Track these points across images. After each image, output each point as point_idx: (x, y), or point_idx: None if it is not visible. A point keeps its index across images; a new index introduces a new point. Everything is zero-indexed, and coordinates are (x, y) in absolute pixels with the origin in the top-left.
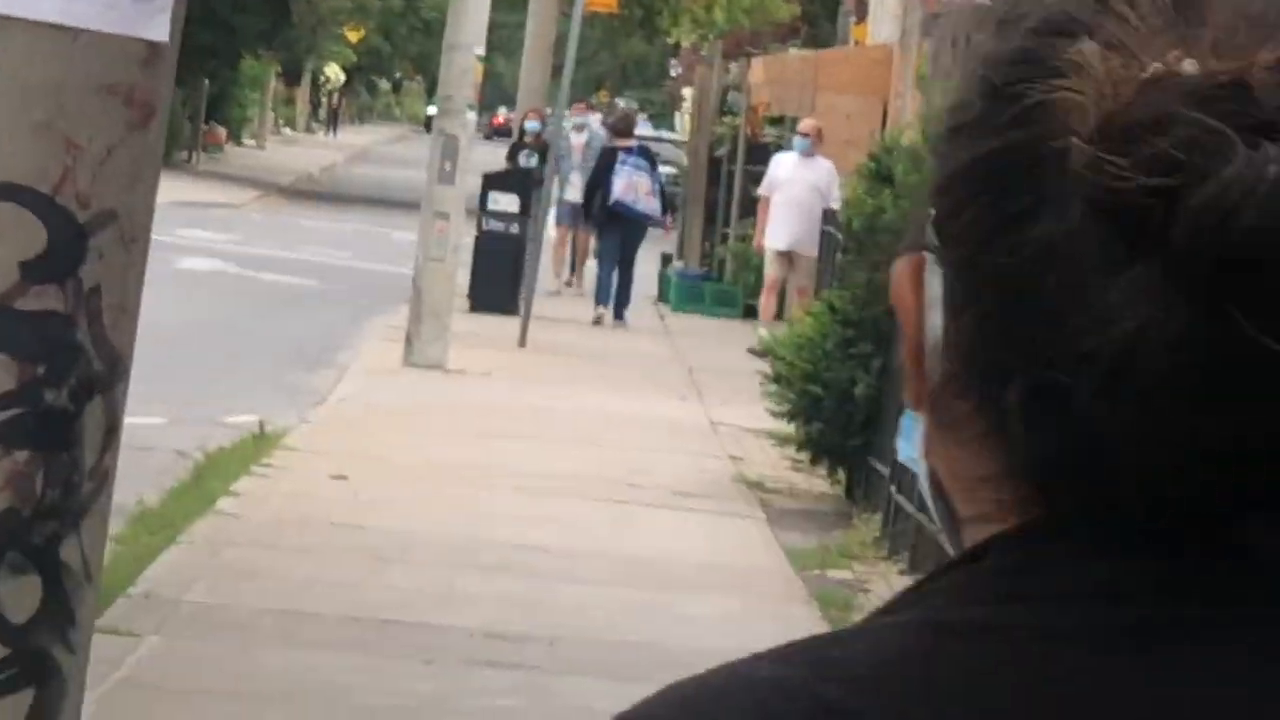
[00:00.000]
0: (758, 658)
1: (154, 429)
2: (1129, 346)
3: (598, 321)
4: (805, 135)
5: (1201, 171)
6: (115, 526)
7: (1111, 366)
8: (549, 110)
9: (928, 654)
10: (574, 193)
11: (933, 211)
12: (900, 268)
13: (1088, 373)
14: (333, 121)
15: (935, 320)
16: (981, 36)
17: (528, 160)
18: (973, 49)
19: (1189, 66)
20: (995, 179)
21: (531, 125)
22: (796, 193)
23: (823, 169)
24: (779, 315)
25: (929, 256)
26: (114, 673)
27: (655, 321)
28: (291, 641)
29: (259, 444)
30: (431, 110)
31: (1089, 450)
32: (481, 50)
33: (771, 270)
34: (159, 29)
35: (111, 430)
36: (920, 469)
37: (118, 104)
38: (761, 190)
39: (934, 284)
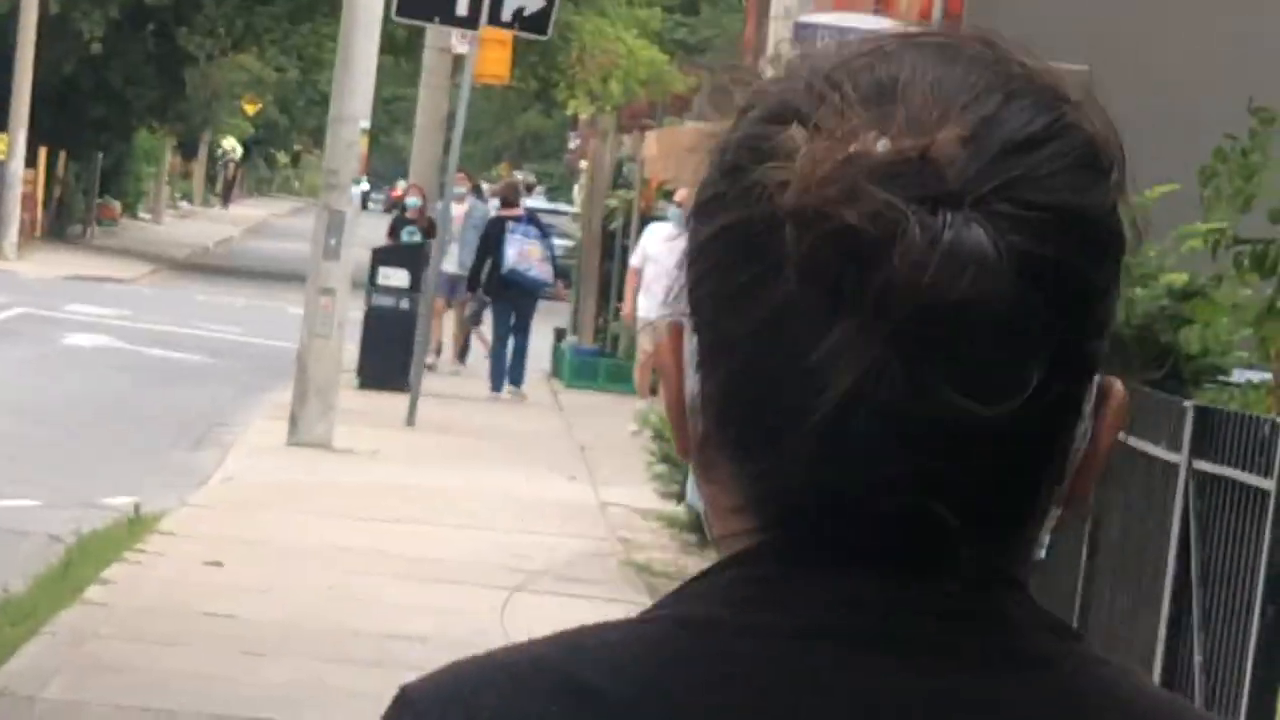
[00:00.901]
0: (529, 642)
1: (28, 512)
2: (839, 400)
3: (499, 391)
4: (681, 206)
5: (882, 242)
6: None
7: (823, 418)
8: (442, 183)
9: (670, 644)
10: (450, 264)
11: (683, 282)
12: (662, 333)
13: (805, 424)
14: (226, 194)
15: (693, 381)
16: (726, 126)
17: (410, 236)
18: (719, 136)
19: (881, 146)
20: (727, 251)
21: (412, 201)
22: (671, 265)
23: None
24: (654, 390)
25: (685, 323)
26: None
27: (548, 397)
28: None
29: (134, 528)
30: None
31: (807, 487)
32: (366, 124)
33: (644, 343)
34: None
35: None
36: (699, 506)
37: None
38: (633, 261)
39: (690, 347)
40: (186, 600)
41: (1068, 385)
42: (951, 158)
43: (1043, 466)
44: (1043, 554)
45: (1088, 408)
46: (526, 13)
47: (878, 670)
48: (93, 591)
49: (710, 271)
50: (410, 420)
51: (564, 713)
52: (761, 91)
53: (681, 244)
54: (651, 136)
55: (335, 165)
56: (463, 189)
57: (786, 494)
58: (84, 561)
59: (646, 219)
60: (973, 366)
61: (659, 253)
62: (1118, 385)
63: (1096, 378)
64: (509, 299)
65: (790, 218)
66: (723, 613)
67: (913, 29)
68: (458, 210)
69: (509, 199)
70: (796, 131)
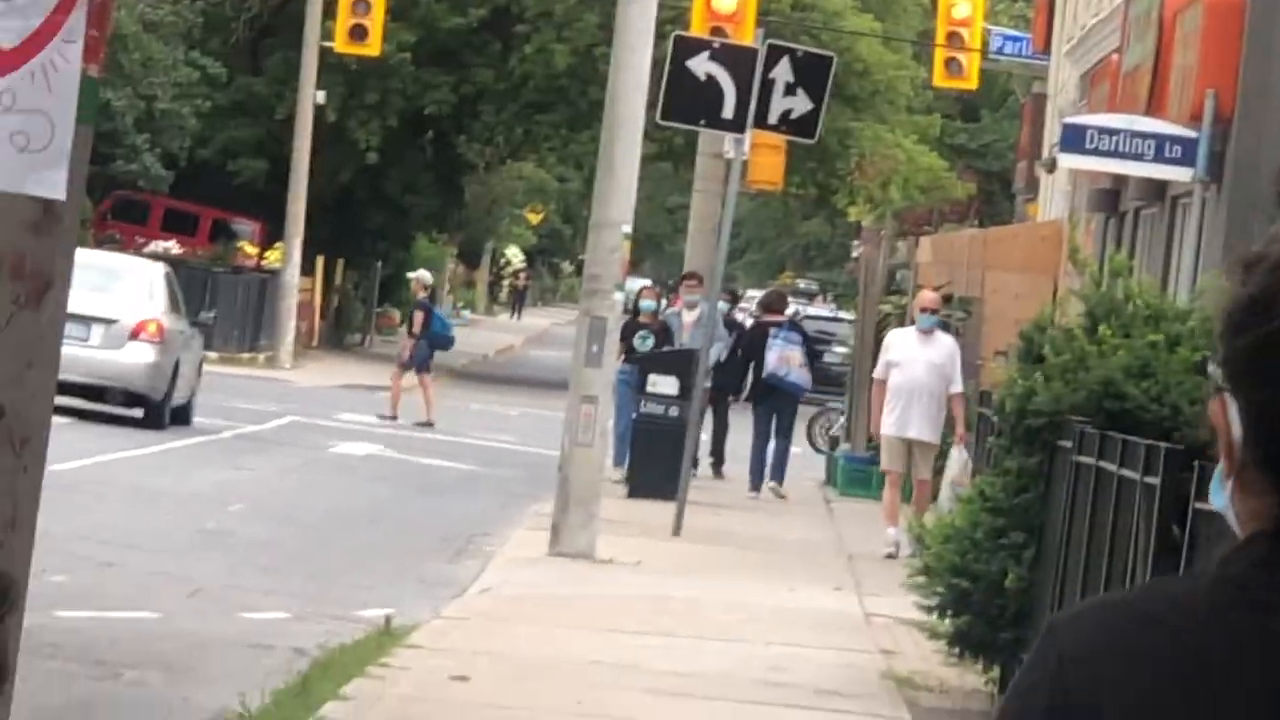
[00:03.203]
0: (1132, 590)
1: (277, 624)
2: None
3: (758, 491)
4: (928, 311)
5: None
6: None
7: None
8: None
9: (1209, 592)
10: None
11: (1221, 376)
12: (1214, 401)
13: None
14: (518, 304)
15: (1236, 429)
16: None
17: (643, 342)
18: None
19: None
20: (1260, 352)
21: (646, 304)
22: (916, 373)
23: (945, 347)
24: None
25: (1226, 395)
26: None
27: (820, 505)
28: None
29: (382, 641)
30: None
31: None
32: (628, 229)
33: (890, 463)
34: (52, 185)
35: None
36: (1228, 513)
37: (2, 277)
38: (876, 373)
39: (1233, 410)
40: (426, 719)
41: None
42: None
43: None
44: None
45: None
46: (794, 115)
47: None
48: (330, 708)
49: (1246, 365)
50: (676, 529)
51: (1144, 635)
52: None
53: (928, 351)
54: (926, 242)
55: (597, 270)
56: (694, 297)
57: None
58: (326, 677)
59: None
60: None
61: (904, 359)
62: None
63: None
64: (770, 403)
65: None
66: (1238, 575)
67: None
68: (688, 317)
69: (773, 305)
70: None
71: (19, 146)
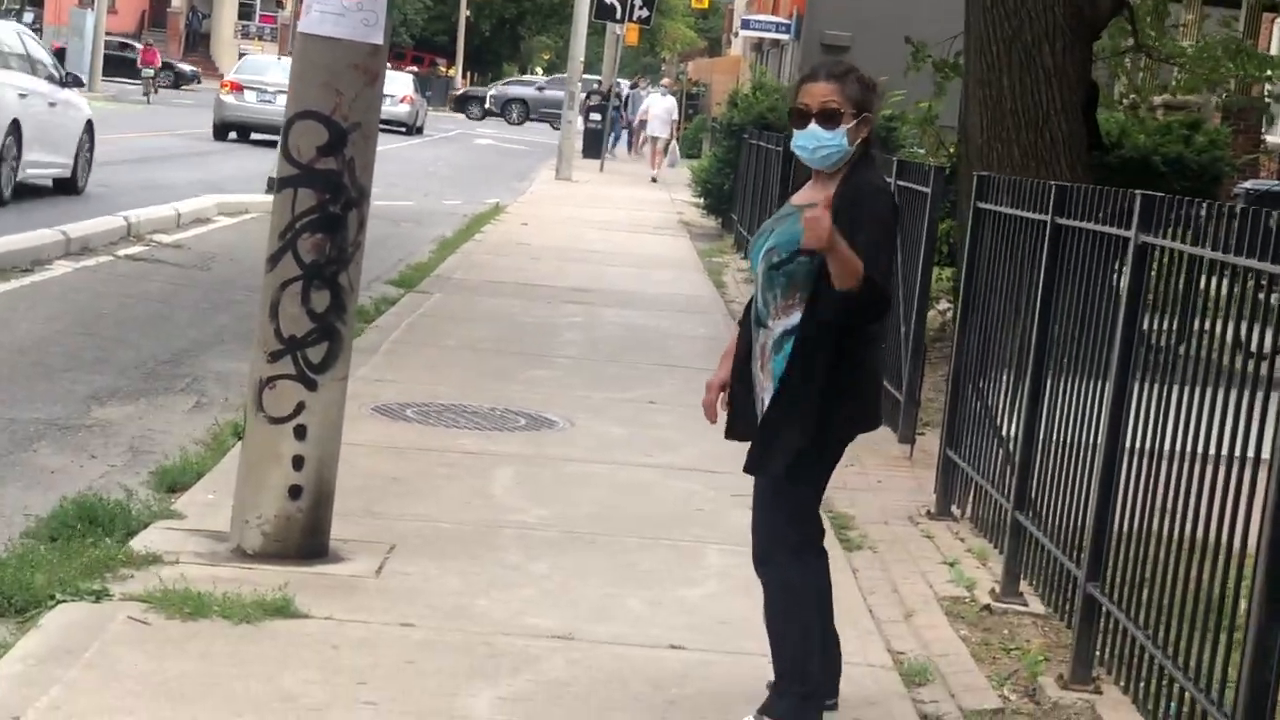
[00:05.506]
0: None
1: (458, 205)
2: None
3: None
4: (664, 86)
5: None
6: (430, 247)
7: None
8: (609, 84)
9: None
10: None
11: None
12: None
13: None
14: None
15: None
16: None
17: (600, 102)
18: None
19: None
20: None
21: (595, 91)
22: (657, 112)
23: (671, 102)
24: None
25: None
26: (417, 310)
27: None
28: (493, 294)
29: (495, 210)
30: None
31: None
32: (582, 58)
33: (649, 148)
34: (378, 36)
35: (361, 224)
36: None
37: (359, 74)
38: (640, 112)
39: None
40: (512, 239)
41: None
42: None
43: None
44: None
45: None
46: (643, 16)
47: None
48: (478, 235)
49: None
50: (601, 169)
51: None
52: None
53: (665, 102)
54: (690, 64)
55: (569, 74)
56: (635, 86)
57: None
58: (476, 224)
59: (688, 94)
60: None
61: (654, 107)
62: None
63: None
64: (630, 125)
65: None
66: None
67: None
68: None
69: (637, 87)
70: None
71: (364, 22)
